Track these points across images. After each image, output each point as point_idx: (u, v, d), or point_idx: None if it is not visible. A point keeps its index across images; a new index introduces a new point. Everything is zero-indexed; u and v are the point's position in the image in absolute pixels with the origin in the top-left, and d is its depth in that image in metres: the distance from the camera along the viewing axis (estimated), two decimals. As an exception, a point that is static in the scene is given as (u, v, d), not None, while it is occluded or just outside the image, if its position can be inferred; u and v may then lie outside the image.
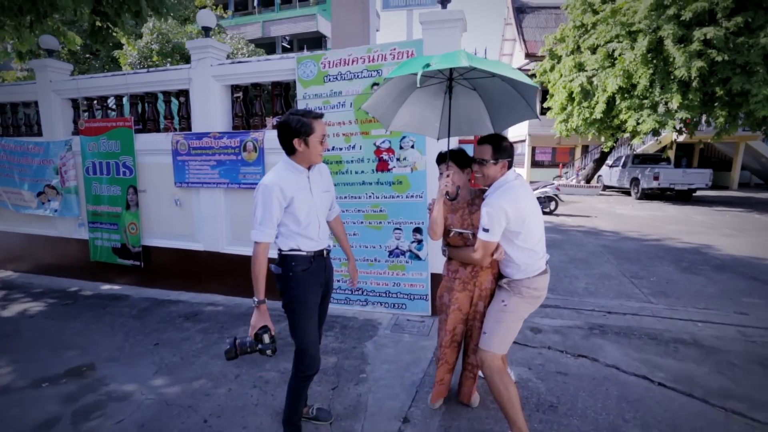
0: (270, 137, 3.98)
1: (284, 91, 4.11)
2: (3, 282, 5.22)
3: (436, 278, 3.58)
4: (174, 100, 4.57)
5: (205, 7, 14.14)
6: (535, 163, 20.25)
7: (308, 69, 3.72)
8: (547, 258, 2.07)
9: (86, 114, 4.85)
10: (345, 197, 3.85)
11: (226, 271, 4.36)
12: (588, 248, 6.44)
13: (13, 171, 5.20)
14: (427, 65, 1.69)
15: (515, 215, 1.89)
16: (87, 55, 15.39)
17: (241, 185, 4.13)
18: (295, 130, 1.80)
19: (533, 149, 20.00)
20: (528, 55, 18.91)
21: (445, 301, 2.23)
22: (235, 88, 4.15)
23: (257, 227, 1.82)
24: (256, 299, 1.81)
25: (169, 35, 12.61)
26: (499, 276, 2.13)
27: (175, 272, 4.62)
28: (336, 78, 3.66)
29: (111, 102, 4.84)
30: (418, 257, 3.70)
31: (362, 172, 3.77)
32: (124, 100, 4.74)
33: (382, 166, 3.70)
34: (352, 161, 3.79)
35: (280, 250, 1.93)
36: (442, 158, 2.13)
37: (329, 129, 3.77)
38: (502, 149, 1.97)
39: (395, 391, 2.56)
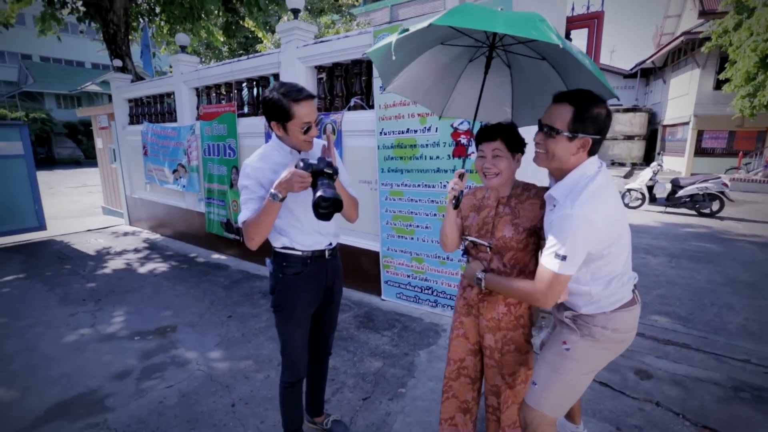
0: (348, 119, 3.85)
1: (366, 69, 3.88)
2: (150, 243, 6.36)
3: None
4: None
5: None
6: (701, 151, 15.99)
7: (384, 43, 3.40)
8: (634, 281, 1.40)
9: (204, 101, 5.45)
10: (419, 185, 3.48)
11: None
12: (761, 268, 4.73)
13: (158, 152, 6.22)
14: (405, 30, 1.24)
15: (606, 233, 1.24)
16: (240, 52, 17.96)
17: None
18: (271, 113, 1.49)
19: (699, 134, 15.87)
20: (703, 13, 14.90)
21: (451, 323, 1.75)
22: (319, 70, 4.10)
23: (242, 207, 1.55)
24: (276, 193, 1.40)
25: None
26: (560, 304, 1.53)
27: (264, 249, 4.91)
28: (412, 51, 3.25)
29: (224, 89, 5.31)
30: (495, 260, 3.13)
31: (437, 157, 3.33)
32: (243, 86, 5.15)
33: (460, 151, 3.20)
34: (427, 145, 3.38)
35: (273, 247, 1.69)
36: (484, 135, 1.50)
37: (404, 109, 3.42)
38: (588, 118, 1.26)
39: (430, 418, 2.16)
